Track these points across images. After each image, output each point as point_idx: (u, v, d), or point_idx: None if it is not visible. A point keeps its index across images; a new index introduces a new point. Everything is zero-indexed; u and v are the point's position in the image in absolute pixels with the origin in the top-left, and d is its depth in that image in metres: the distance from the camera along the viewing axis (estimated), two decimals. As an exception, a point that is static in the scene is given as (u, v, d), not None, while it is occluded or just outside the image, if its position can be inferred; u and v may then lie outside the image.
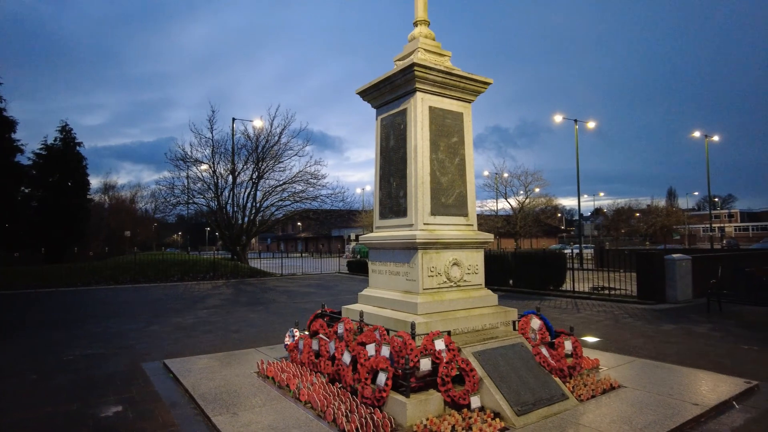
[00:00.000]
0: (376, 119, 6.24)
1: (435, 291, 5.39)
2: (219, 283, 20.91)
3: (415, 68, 5.31)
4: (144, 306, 13.61)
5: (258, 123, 27.49)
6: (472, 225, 5.87)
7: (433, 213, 5.48)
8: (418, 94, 5.50)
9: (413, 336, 4.70)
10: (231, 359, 6.85)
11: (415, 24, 6.11)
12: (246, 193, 27.60)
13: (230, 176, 26.92)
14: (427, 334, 4.79)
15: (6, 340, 8.80)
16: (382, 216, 6.03)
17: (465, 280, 5.65)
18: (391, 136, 5.90)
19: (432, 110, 5.60)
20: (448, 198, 5.65)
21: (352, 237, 71.08)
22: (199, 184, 26.34)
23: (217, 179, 26.48)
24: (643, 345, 7.76)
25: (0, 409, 5.05)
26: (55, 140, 31.38)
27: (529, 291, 15.75)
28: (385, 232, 5.89)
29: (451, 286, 5.52)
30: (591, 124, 31.05)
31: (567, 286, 15.88)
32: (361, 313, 5.60)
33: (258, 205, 27.99)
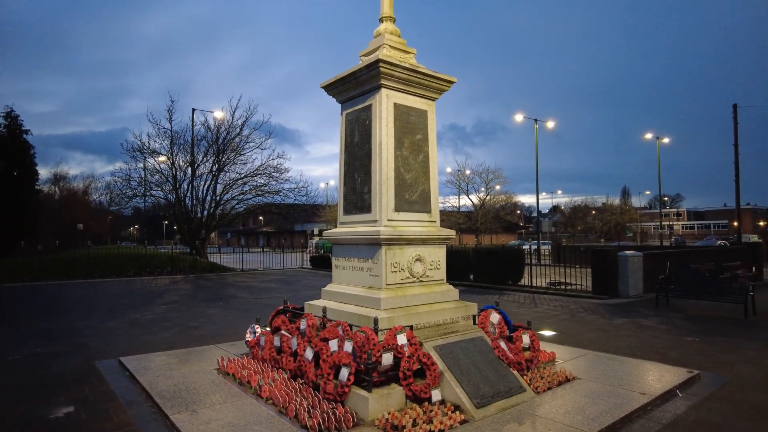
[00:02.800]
0: (341, 114, 6.22)
1: (398, 286, 5.44)
2: (177, 279, 20.37)
3: (381, 65, 5.33)
4: (98, 302, 13.12)
5: (219, 114, 26.84)
6: (435, 221, 5.95)
7: (397, 209, 5.53)
8: (384, 91, 5.51)
9: (376, 331, 4.73)
10: (190, 356, 6.71)
11: (381, 20, 6.12)
12: (206, 186, 26.93)
13: (189, 168, 26.19)
14: (390, 329, 4.84)
15: (-55, 338, 8.31)
16: (347, 212, 6.03)
17: (427, 276, 5.73)
18: (356, 131, 5.90)
19: (397, 107, 5.63)
20: (412, 194, 5.71)
21: (316, 232, 70.49)
22: (156, 176, 25.50)
23: (176, 171, 25.71)
24: (596, 338, 8.09)
25: (-61, 411, 4.79)
26: (0, 127, 29.66)
27: (489, 286, 16.09)
28: (349, 227, 5.89)
29: (414, 282, 5.59)
30: (550, 124, 31.93)
31: (525, 281, 16.33)
32: (324, 309, 5.59)
33: (218, 198, 27.36)
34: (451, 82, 6.04)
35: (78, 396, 5.21)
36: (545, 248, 33.44)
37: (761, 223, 74.19)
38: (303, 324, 5.56)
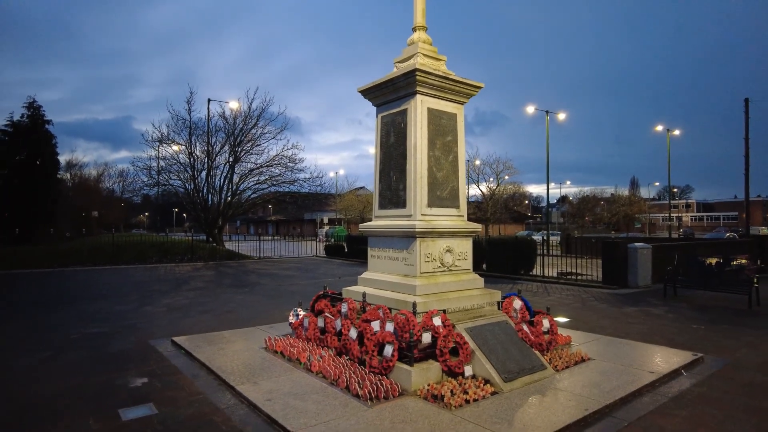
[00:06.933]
0: (377, 116, 6.76)
1: (430, 275, 6.03)
2: (198, 266, 21.10)
3: (417, 73, 5.86)
4: (129, 287, 13.84)
5: (234, 104, 27.42)
6: (462, 216, 6.52)
7: (430, 205, 6.09)
8: (419, 96, 6.05)
9: (415, 314, 5.33)
10: (236, 337, 7.35)
11: (414, 29, 6.63)
12: (222, 176, 27.61)
13: (206, 158, 26.85)
14: (426, 312, 5.43)
15: (2, 320, 9.02)
16: (382, 206, 6.60)
17: (456, 265, 6.31)
18: (391, 133, 6.45)
19: (430, 111, 6.17)
20: (443, 191, 6.27)
21: (325, 221, 71.41)
22: (175, 166, 26.20)
23: (194, 161, 26.39)
24: (608, 325, 8.66)
25: (34, 380, 5.47)
26: (22, 117, 30.43)
27: (501, 275, 16.66)
28: (384, 221, 6.47)
29: (444, 271, 6.17)
30: (562, 116, 32.22)
31: (536, 271, 16.89)
32: (364, 294, 6.19)
33: (235, 187, 28.05)
34: (479, 88, 6.57)
35: (146, 370, 5.87)
36: (554, 239, 33.93)
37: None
38: (344, 307, 6.16)
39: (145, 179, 27.19)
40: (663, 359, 6.19)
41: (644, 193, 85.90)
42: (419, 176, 6.01)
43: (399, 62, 6.55)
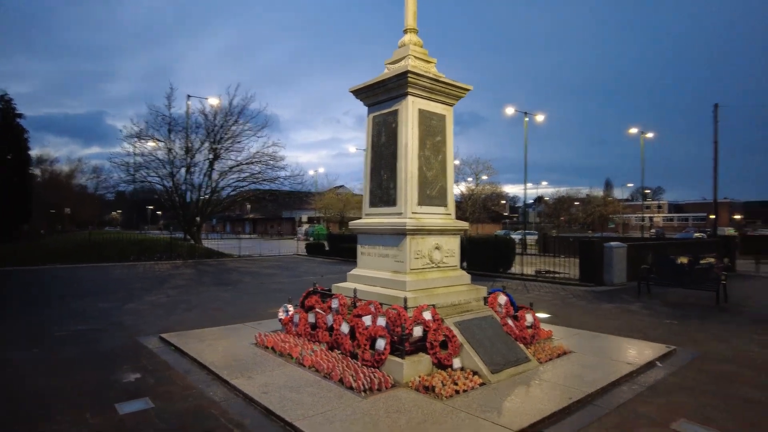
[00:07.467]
0: (368, 116, 6.90)
1: (420, 271, 6.20)
2: (178, 264, 20.87)
3: (409, 75, 6.02)
4: (112, 285, 13.67)
5: (215, 101, 27.15)
6: (450, 214, 6.72)
7: (420, 203, 6.27)
8: (410, 98, 6.22)
9: (406, 308, 5.50)
10: (225, 333, 7.41)
11: (405, 31, 6.79)
12: (202, 173, 27.30)
13: (186, 155, 26.51)
14: (416, 307, 5.61)
15: (-16, 317, 8.86)
16: (372, 204, 6.74)
17: (444, 262, 6.51)
18: (382, 132, 6.60)
19: (421, 112, 6.34)
20: (432, 190, 6.45)
21: (304, 219, 71.07)
22: (154, 162, 25.82)
23: (173, 157, 26.04)
24: (586, 320, 8.99)
25: (28, 376, 5.46)
26: (-8, 110, 29.48)
27: (482, 273, 16.96)
28: (375, 219, 6.61)
29: (433, 267, 6.36)
30: (540, 117, 32.82)
31: (515, 269, 17.27)
32: (355, 290, 6.33)
33: (214, 185, 27.77)
34: (467, 90, 6.77)
35: (138, 366, 5.89)
36: (531, 238, 34.59)
37: (737, 217, 76.72)
38: (335, 303, 6.29)
39: (123, 175, 26.70)
40: (639, 352, 6.50)
41: (618, 194, 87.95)
42: (410, 175, 6.18)
43: (390, 63, 6.70)
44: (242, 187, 28.64)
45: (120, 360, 6.14)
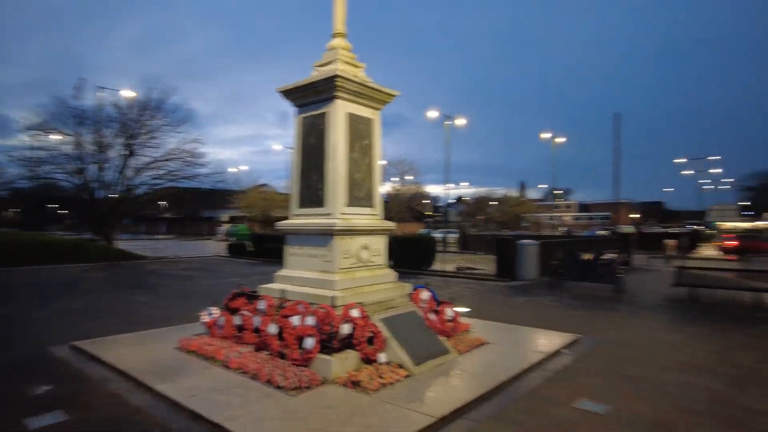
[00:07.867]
0: (297, 116, 6.95)
1: (348, 270, 6.37)
2: (88, 267, 19.43)
3: (337, 78, 6.16)
4: (11, 291, 12.52)
5: (129, 93, 25.57)
6: (377, 215, 6.94)
7: (349, 204, 6.43)
8: (338, 101, 6.36)
9: (334, 307, 5.64)
10: (144, 338, 7.11)
11: (334, 35, 6.91)
12: (115, 170, 25.57)
13: (96, 151, 24.71)
14: (344, 305, 5.77)
15: None
16: (301, 205, 6.80)
17: (371, 261, 6.72)
18: (311, 134, 6.68)
19: (349, 116, 6.50)
20: (360, 192, 6.64)
21: (225, 218, 68.52)
22: (60, 158, 23.79)
23: (82, 153, 24.16)
24: (502, 313, 9.61)
25: None
26: None
27: (407, 270, 17.45)
28: (304, 219, 6.68)
29: (361, 266, 6.55)
30: (462, 122, 34.18)
31: (437, 266, 17.98)
32: (283, 291, 6.37)
33: (128, 182, 26.11)
34: (394, 95, 7.03)
35: (50, 376, 5.53)
36: (451, 237, 35.95)
37: (634, 216, 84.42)
38: (262, 304, 6.29)
39: (23, 171, 24.31)
40: (548, 341, 7.11)
41: (531, 194, 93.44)
42: (339, 177, 6.32)
43: (319, 66, 6.79)
44: (159, 184, 27.18)
45: (28, 372, 5.72)
